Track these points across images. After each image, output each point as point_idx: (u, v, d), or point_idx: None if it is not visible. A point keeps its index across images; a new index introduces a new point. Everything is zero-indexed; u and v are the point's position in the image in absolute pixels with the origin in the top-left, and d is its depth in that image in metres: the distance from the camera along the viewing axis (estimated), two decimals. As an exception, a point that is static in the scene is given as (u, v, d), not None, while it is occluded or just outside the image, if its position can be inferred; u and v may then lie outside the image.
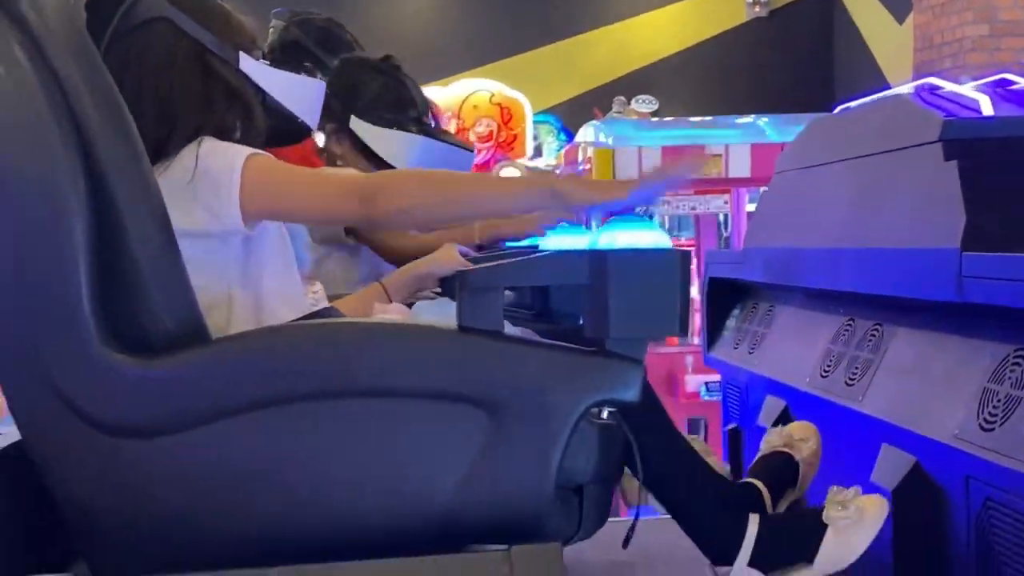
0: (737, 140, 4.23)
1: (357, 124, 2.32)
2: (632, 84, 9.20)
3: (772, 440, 1.85)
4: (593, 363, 1.29)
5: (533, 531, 1.27)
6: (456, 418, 1.26)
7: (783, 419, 2.23)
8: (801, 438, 1.84)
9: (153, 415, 1.24)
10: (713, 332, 2.81)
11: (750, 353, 2.50)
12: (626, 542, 1.48)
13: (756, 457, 1.86)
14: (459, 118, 8.27)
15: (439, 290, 2.08)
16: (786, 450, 1.82)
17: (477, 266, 1.37)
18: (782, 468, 1.80)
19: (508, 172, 7.30)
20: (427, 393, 1.26)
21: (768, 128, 4.36)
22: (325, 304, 1.82)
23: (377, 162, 2.32)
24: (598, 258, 1.29)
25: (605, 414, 1.34)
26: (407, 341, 1.30)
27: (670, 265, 1.30)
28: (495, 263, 1.36)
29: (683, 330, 1.32)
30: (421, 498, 1.27)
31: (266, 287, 1.58)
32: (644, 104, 6.98)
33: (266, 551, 1.24)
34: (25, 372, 1.26)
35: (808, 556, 1.59)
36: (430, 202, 1.51)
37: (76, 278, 1.22)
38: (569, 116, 8.57)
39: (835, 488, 1.60)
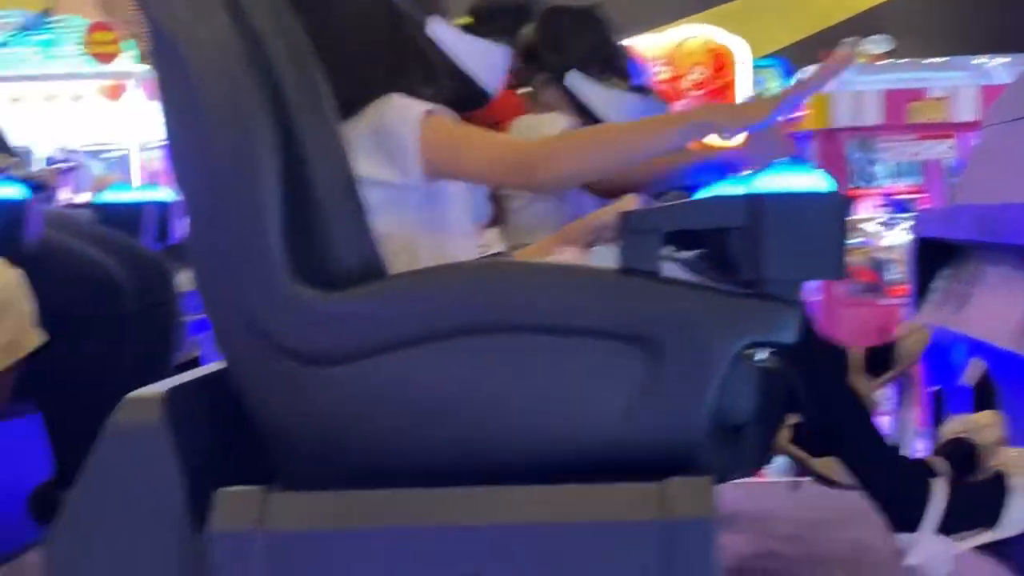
0: (964, 83, 4.16)
1: (574, 79, 2.51)
2: (866, 24, 8.96)
3: (953, 427, 1.90)
4: (747, 304, 1.41)
5: (688, 467, 1.40)
6: (614, 355, 1.40)
7: (984, 381, 2.31)
8: (985, 424, 1.89)
9: (336, 345, 1.44)
10: (921, 293, 2.88)
11: (955, 314, 2.56)
12: (795, 485, 1.62)
13: (936, 444, 1.92)
14: (672, 65, 8.34)
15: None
16: (966, 436, 1.89)
17: (638, 209, 1.53)
18: (961, 453, 1.84)
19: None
20: (587, 331, 1.41)
21: (1001, 69, 4.28)
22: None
23: (586, 115, 2.51)
24: (755, 200, 1.41)
25: (763, 355, 1.49)
26: (569, 281, 1.46)
27: (828, 207, 1.41)
28: (655, 206, 1.52)
29: (840, 274, 1.43)
30: (581, 431, 1.42)
31: (447, 236, 1.79)
32: (877, 44, 6.82)
33: (437, 472, 1.43)
34: (228, 307, 1.49)
35: (991, 520, 1.67)
36: (585, 167, 1.69)
37: (270, 222, 1.43)
38: (798, 59, 8.47)
39: (1004, 449, 1.68)
